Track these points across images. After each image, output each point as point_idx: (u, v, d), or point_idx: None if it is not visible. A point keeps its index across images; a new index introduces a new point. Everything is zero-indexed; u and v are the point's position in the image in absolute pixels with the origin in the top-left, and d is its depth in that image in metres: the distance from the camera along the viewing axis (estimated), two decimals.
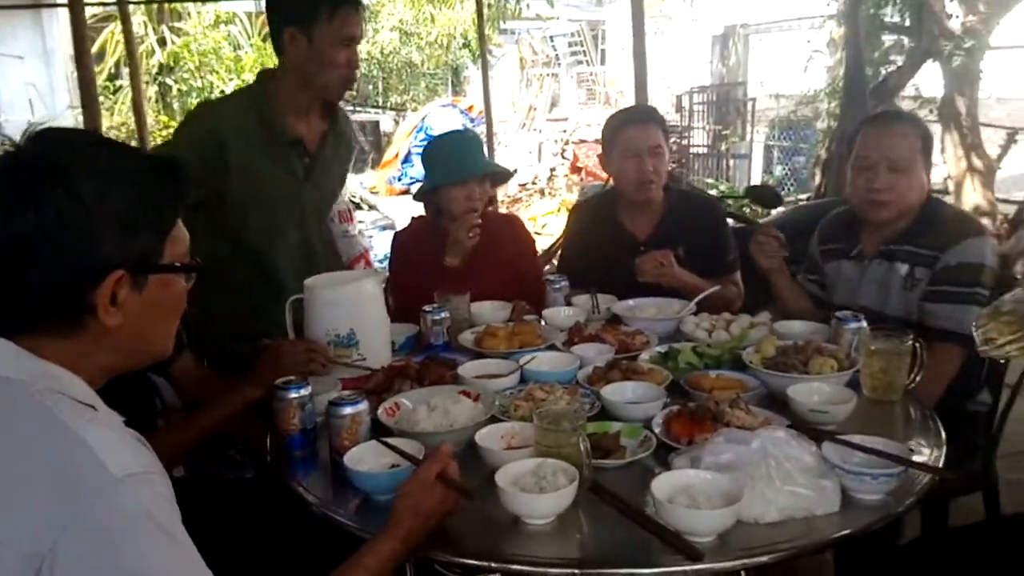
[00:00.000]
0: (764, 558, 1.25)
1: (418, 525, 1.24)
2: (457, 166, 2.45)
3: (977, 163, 6.69)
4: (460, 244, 2.42)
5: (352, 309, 1.85)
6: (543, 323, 2.30)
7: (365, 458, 1.47)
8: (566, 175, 11.42)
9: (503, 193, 11.09)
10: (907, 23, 6.45)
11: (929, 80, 6.95)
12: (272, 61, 2.51)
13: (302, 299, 1.90)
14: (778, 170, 10.14)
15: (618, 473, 1.47)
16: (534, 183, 11.69)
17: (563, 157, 12.13)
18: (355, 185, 9.36)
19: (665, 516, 1.26)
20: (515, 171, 2.92)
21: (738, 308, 2.47)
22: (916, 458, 1.45)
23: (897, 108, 5.30)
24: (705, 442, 1.46)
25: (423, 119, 12.68)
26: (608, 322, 2.30)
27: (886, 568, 1.65)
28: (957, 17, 6.30)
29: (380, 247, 5.74)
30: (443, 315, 2.17)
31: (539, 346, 2.08)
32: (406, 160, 12.18)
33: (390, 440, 1.49)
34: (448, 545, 1.31)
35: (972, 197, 6.62)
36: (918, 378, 1.77)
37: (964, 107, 6.61)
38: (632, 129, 2.50)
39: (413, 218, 2.67)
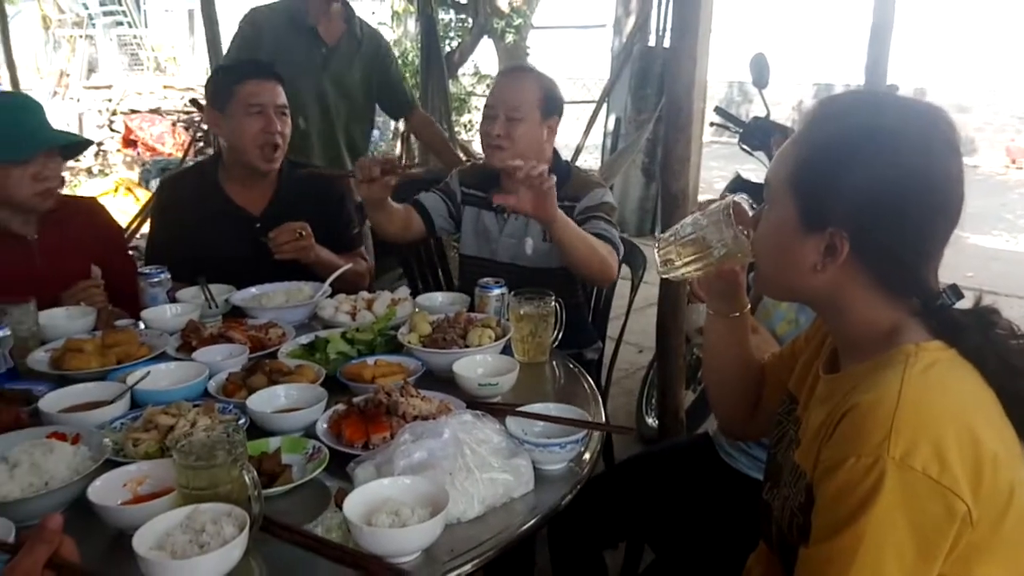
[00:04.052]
0: (469, 566, 1.11)
1: None
2: (16, 140, 1.86)
3: None
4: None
5: None
6: (143, 328, 1.88)
7: None
8: (119, 150, 10.05)
9: None
10: (463, 0, 6.89)
11: (484, 58, 7.54)
12: None
13: None
14: None
15: (289, 499, 1.22)
16: (78, 161, 10.06)
17: (111, 130, 10.64)
18: None
19: (366, 541, 1.06)
20: (92, 142, 2.39)
21: (368, 282, 2.33)
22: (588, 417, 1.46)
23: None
24: (385, 443, 1.28)
25: None
26: (227, 316, 1.97)
27: None
28: None
29: None
30: (2, 333, 1.63)
31: (145, 357, 1.68)
32: None
33: None
34: None
35: None
36: (561, 335, 1.82)
37: None
38: (254, 84, 2.18)
39: None
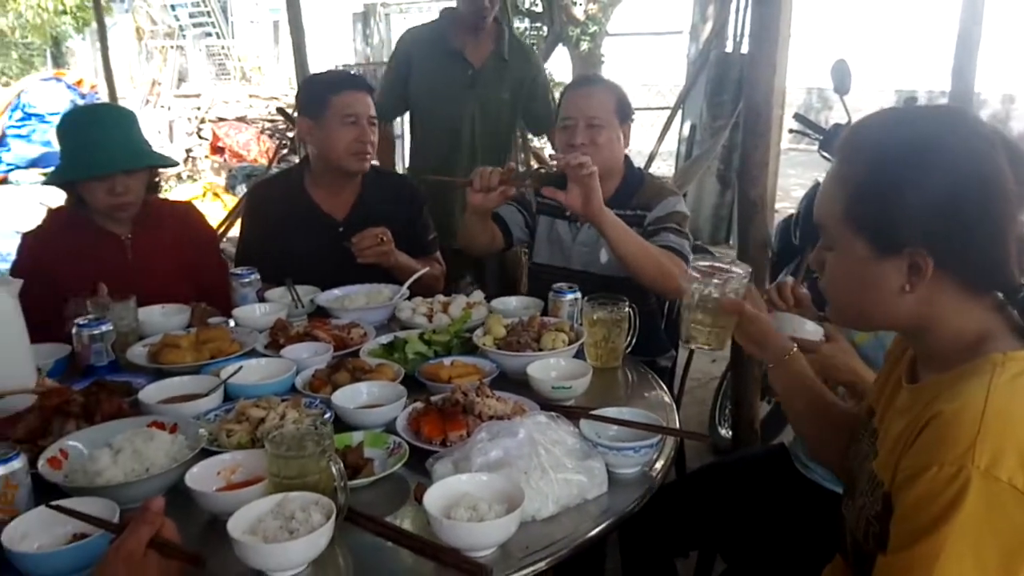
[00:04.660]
0: (543, 563, 1.14)
1: None
2: (92, 155, 1.97)
3: None
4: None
5: None
6: (234, 325, 1.97)
7: (32, 532, 1.08)
8: (207, 156, 10.47)
9: None
10: (539, 9, 6.94)
11: (559, 66, 7.55)
12: None
13: None
14: None
15: (371, 492, 1.27)
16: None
17: (200, 137, 11.10)
18: None
19: (445, 534, 1.10)
20: (176, 163, 2.51)
21: (443, 286, 2.38)
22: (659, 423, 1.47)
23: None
24: (462, 440, 1.32)
25: (19, 95, 10.73)
26: (312, 316, 2.05)
27: None
28: (580, 4, 6.91)
29: None
30: (104, 328, 1.74)
31: (237, 353, 1.77)
32: (0, 143, 10.24)
33: (64, 503, 1.12)
34: None
35: None
36: (634, 340, 1.82)
37: None
38: (348, 94, 2.26)
39: (49, 211, 2.14)
